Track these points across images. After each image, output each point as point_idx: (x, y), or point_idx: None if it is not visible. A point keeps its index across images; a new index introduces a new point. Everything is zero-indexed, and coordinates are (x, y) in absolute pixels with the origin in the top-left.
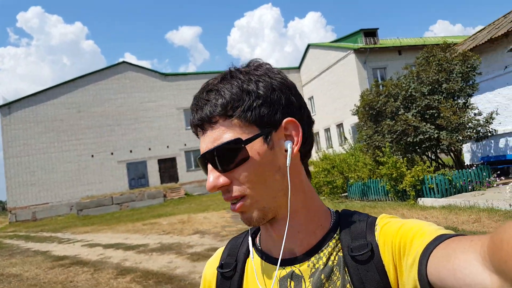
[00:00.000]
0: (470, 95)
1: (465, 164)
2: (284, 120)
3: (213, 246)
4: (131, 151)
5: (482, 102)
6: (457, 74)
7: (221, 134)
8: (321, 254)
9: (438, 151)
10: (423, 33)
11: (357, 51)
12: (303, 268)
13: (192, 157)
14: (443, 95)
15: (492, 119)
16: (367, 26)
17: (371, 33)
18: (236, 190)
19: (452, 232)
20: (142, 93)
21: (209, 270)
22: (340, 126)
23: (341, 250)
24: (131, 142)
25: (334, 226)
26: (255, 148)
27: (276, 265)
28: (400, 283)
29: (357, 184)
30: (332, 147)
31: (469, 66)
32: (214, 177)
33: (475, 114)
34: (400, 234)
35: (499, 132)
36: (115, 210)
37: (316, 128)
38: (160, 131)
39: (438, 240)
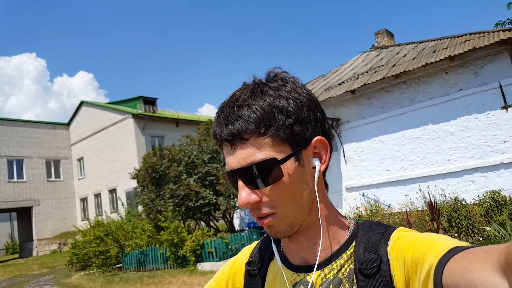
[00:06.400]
0: None
1: (236, 229)
2: (314, 139)
3: None
4: None
5: None
6: None
7: (254, 152)
8: (334, 265)
9: (215, 215)
10: (195, 111)
11: (136, 117)
12: (315, 277)
13: None
14: (221, 163)
15: None
16: (146, 94)
17: (150, 102)
18: (267, 207)
19: (467, 244)
20: None
21: (242, 257)
22: (113, 191)
23: (353, 263)
24: None
25: (350, 238)
26: (288, 167)
27: (293, 271)
28: None
29: (134, 253)
30: (101, 215)
31: None
32: (246, 193)
33: None
34: (412, 248)
35: None
36: None
37: (85, 193)
38: None
39: (452, 252)
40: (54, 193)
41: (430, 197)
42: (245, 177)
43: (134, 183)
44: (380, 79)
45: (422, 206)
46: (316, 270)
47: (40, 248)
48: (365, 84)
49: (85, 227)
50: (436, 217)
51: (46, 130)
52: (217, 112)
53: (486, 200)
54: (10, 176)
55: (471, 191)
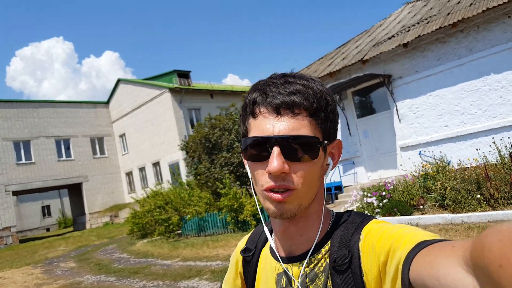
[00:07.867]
0: None
1: None
2: (336, 140)
3: None
4: None
5: None
6: None
7: (301, 127)
8: (313, 259)
9: None
10: (220, 81)
11: (173, 91)
12: (295, 270)
13: None
14: None
15: None
16: (179, 67)
17: (184, 75)
18: (292, 181)
19: (434, 237)
20: None
21: (240, 245)
22: (156, 164)
23: (329, 257)
24: None
25: (329, 231)
26: (320, 152)
27: (278, 261)
28: None
29: (194, 220)
30: (147, 187)
31: None
32: (281, 161)
33: None
34: (382, 242)
35: None
36: None
37: (129, 167)
38: None
39: (419, 246)
40: (100, 169)
41: None
42: (285, 146)
43: (176, 156)
44: (436, 30)
45: (496, 160)
46: (296, 262)
47: (92, 221)
48: (419, 36)
49: (134, 199)
50: None
51: (88, 109)
52: (264, 83)
53: None
54: (59, 155)
55: None
